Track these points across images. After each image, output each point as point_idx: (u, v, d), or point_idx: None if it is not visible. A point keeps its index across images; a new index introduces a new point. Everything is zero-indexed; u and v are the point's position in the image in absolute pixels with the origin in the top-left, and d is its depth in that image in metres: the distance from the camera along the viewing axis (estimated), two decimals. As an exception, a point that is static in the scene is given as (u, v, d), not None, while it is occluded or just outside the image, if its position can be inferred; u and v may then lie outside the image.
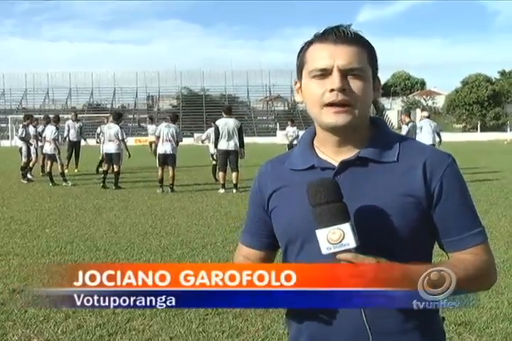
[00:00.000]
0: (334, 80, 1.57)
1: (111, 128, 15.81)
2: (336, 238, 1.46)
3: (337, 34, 1.60)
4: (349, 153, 1.66)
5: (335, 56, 1.58)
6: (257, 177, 1.87)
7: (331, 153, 1.69)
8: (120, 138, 15.64)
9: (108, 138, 15.77)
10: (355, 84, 1.59)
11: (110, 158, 15.75)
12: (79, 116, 23.37)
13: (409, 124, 16.51)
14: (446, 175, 1.62)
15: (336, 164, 1.66)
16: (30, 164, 18.34)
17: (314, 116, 1.66)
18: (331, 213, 1.48)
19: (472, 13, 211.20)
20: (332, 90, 1.57)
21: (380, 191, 1.61)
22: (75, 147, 20.18)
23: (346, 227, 1.46)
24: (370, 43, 1.66)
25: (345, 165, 1.65)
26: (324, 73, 1.59)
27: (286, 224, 1.73)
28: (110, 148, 15.71)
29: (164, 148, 14.81)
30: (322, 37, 1.62)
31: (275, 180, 1.78)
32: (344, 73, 1.58)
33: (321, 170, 1.68)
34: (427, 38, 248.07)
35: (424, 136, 16.13)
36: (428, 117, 17.56)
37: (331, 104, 1.59)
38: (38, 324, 4.99)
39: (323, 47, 1.61)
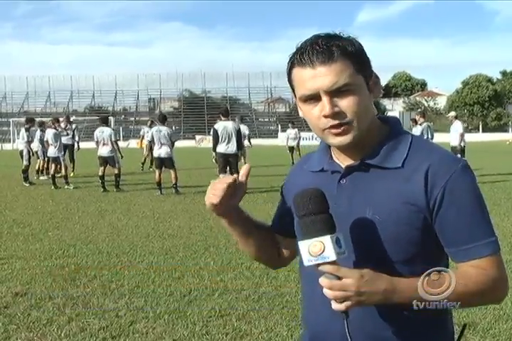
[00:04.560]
0: (324, 106, 1.54)
1: (103, 132, 15.79)
2: (317, 250, 1.43)
3: (312, 55, 1.53)
4: (357, 158, 1.64)
5: (317, 80, 1.53)
6: (287, 175, 1.90)
7: (341, 157, 1.68)
8: (113, 139, 15.68)
9: (102, 141, 15.73)
10: (346, 102, 1.54)
11: (105, 162, 15.71)
12: (80, 118, 23.31)
13: (424, 124, 16.59)
14: (451, 184, 1.54)
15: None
16: (37, 166, 18.38)
17: (319, 137, 1.65)
18: (312, 225, 1.46)
19: (471, 13, 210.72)
20: (325, 116, 1.55)
21: (380, 198, 1.57)
22: (67, 150, 20.11)
23: (327, 240, 1.43)
24: (352, 47, 1.56)
25: (349, 170, 1.64)
26: (313, 97, 1.56)
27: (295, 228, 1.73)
28: (104, 151, 15.69)
29: (159, 151, 14.84)
30: (299, 59, 1.56)
31: (297, 179, 1.80)
32: (332, 94, 1.53)
33: (331, 173, 1.68)
34: (428, 39, 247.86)
35: (454, 137, 16.32)
36: (456, 117, 17.55)
37: (330, 127, 1.57)
38: (41, 327, 4.99)
39: (303, 72, 1.55)
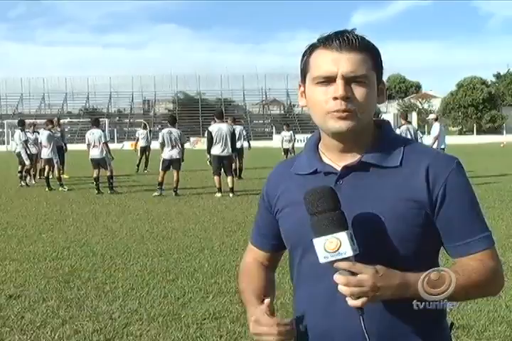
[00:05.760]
0: (338, 88, 1.56)
1: (94, 134, 15.77)
2: (333, 247, 1.45)
3: (341, 40, 1.58)
4: (353, 158, 1.65)
5: (339, 63, 1.57)
6: (266, 182, 1.88)
7: (335, 158, 1.68)
8: (103, 141, 15.66)
9: (92, 144, 15.70)
10: (358, 92, 1.57)
11: (97, 164, 15.70)
12: (75, 120, 23.22)
13: (402, 127, 16.08)
14: (450, 180, 1.60)
15: (339, 169, 1.66)
16: (30, 171, 18.33)
17: (318, 123, 1.65)
18: (327, 222, 1.47)
19: (466, 16, 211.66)
20: (335, 98, 1.56)
21: (382, 196, 1.60)
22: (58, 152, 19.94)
23: (343, 236, 1.45)
24: (374, 47, 1.65)
25: (347, 170, 1.64)
26: (328, 80, 1.58)
27: (289, 230, 1.74)
28: (95, 153, 15.67)
29: (170, 153, 14.85)
30: (326, 43, 1.60)
31: (281, 184, 1.79)
32: (348, 80, 1.57)
33: (325, 174, 1.67)
34: (422, 41, 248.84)
35: (431, 139, 16.10)
36: (436, 120, 17.35)
37: (335, 111, 1.58)
38: (34, 330, 4.97)
39: (327, 53, 1.59)
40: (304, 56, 1.67)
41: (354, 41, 1.58)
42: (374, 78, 1.62)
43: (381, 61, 1.67)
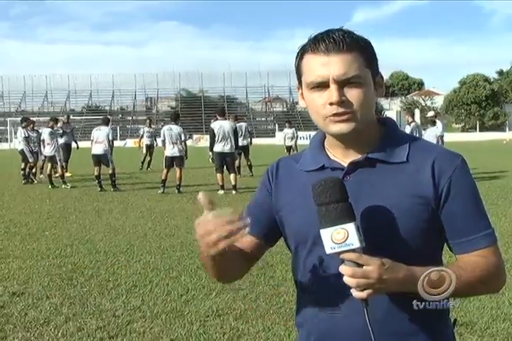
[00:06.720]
0: (332, 94, 1.55)
1: (101, 130, 15.80)
2: (340, 238, 1.44)
3: (328, 43, 1.56)
4: (358, 154, 1.66)
5: (329, 68, 1.56)
6: (268, 170, 1.87)
7: (340, 155, 1.69)
8: (111, 138, 15.68)
9: (96, 139, 15.71)
10: (353, 93, 1.57)
11: (98, 161, 15.68)
12: (78, 118, 23.25)
13: (412, 124, 16.17)
14: (455, 176, 1.61)
15: (346, 165, 1.66)
16: (29, 168, 18.36)
17: (319, 126, 1.65)
18: (335, 212, 1.47)
19: (468, 13, 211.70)
20: (331, 104, 1.56)
21: (389, 192, 1.60)
22: (66, 150, 19.97)
23: (351, 227, 1.45)
24: (364, 42, 1.62)
25: (354, 166, 1.65)
26: (322, 85, 1.58)
27: (295, 226, 1.73)
28: (97, 149, 15.66)
29: (172, 151, 14.79)
30: (314, 46, 1.58)
31: (286, 179, 1.79)
32: (341, 83, 1.56)
33: (331, 170, 1.67)
34: (425, 39, 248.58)
35: (430, 137, 16.02)
36: (435, 117, 17.29)
37: (332, 115, 1.58)
38: (38, 327, 4.98)
39: (316, 58, 1.58)
40: (296, 59, 1.66)
41: (341, 42, 1.56)
42: (368, 75, 1.61)
43: (374, 54, 1.65)
